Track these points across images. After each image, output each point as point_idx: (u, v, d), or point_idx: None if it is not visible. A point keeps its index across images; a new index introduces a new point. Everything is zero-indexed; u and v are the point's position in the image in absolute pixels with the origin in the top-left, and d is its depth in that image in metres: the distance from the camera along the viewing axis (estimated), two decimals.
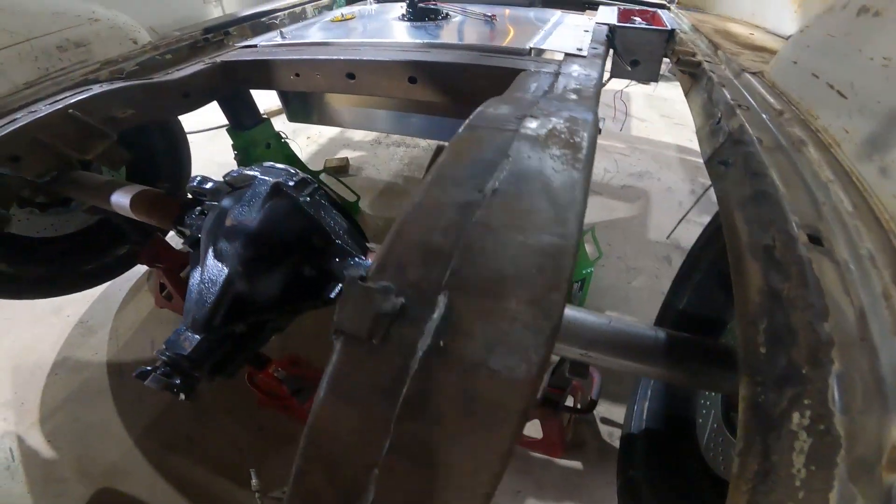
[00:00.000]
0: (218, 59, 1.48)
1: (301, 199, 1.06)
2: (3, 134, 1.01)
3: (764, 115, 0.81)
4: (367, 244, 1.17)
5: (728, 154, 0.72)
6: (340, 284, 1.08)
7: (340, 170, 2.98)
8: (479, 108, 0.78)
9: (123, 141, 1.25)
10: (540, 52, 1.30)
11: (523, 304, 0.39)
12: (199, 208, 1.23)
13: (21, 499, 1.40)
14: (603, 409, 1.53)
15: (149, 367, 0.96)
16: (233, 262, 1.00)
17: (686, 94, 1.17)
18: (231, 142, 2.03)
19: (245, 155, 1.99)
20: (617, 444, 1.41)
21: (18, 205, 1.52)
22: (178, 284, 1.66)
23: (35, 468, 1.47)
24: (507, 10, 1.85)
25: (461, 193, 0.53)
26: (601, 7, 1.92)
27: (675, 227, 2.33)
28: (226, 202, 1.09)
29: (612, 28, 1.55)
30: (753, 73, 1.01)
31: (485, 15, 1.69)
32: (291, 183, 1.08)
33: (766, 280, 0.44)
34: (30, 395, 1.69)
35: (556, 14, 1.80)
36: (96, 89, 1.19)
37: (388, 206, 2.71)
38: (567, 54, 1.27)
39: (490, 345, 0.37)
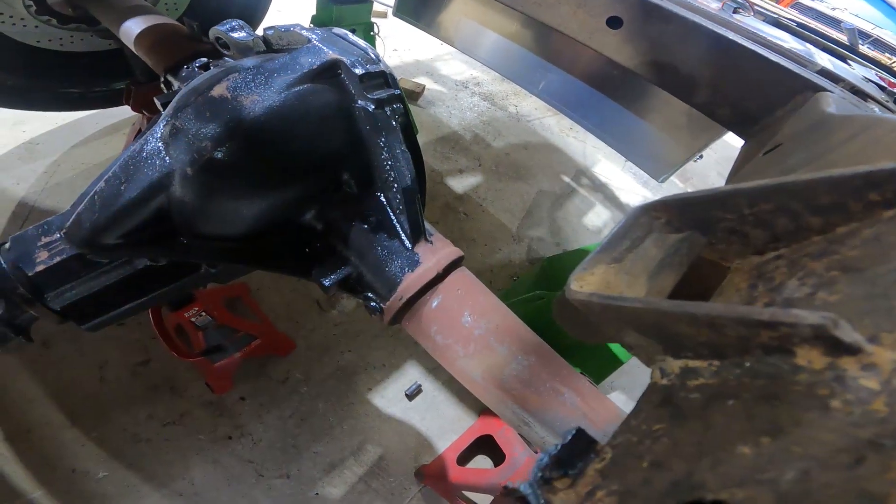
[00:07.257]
0: None
1: (361, 103, 0.56)
2: None
3: None
4: (427, 228, 0.66)
5: None
6: (344, 270, 0.61)
7: (412, 95, 2.53)
8: None
9: None
10: (832, 76, 0.77)
11: None
12: (204, 60, 0.77)
13: None
14: None
15: None
16: (187, 154, 0.51)
17: None
18: (314, 13, 1.65)
19: None
20: None
21: (37, 12, 1.25)
22: None
23: None
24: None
25: None
26: (852, 63, 1.37)
27: None
28: (244, 62, 0.59)
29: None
30: None
31: None
32: (360, 71, 0.57)
33: None
34: None
35: (807, 45, 1.24)
36: None
37: (443, 157, 2.23)
38: (870, 97, 0.74)
39: None
